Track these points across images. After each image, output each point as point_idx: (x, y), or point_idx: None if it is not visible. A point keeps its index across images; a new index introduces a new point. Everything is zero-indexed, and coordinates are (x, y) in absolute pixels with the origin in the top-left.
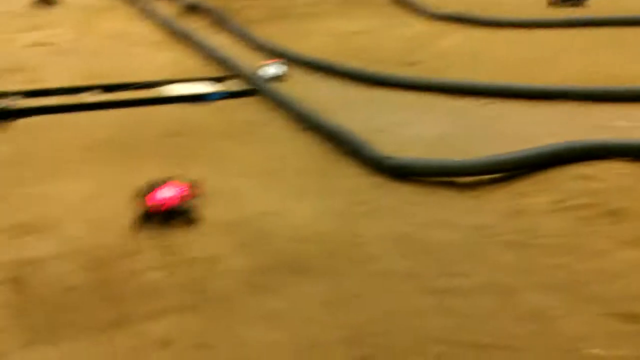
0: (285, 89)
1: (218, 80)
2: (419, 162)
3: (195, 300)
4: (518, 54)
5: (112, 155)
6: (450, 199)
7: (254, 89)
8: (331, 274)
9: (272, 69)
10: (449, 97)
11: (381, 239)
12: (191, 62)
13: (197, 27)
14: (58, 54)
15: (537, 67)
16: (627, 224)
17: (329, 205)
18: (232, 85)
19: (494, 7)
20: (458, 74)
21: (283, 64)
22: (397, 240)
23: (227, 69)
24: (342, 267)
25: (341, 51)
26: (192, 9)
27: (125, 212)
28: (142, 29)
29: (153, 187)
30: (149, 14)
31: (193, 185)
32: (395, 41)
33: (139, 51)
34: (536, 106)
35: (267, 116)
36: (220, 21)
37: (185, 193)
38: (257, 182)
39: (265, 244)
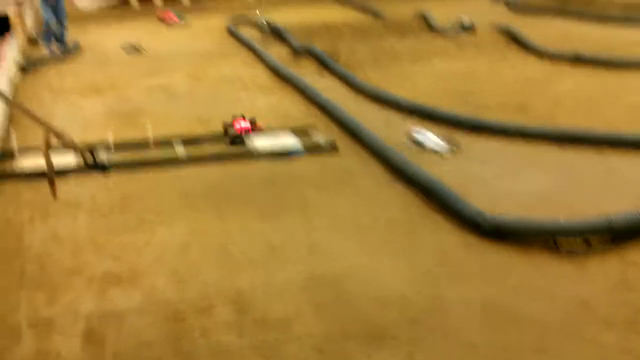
0: (381, 137)
1: (303, 132)
2: (515, 221)
3: None
4: None
5: (208, 203)
6: (548, 265)
7: (335, 144)
8: (409, 344)
9: (431, 138)
10: (558, 146)
11: (467, 307)
12: (293, 108)
13: (304, 71)
14: (172, 99)
15: None
16: None
17: (415, 265)
18: (317, 138)
19: (612, 48)
20: (571, 121)
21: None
22: (485, 309)
23: (326, 113)
24: (423, 337)
25: (446, 94)
26: (302, 53)
27: (211, 264)
28: (254, 73)
29: (231, 123)
30: (261, 59)
31: (253, 121)
32: (506, 84)
33: (246, 96)
34: None
35: (362, 165)
36: (326, 65)
37: (253, 125)
38: (344, 236)
39: (343, 306)
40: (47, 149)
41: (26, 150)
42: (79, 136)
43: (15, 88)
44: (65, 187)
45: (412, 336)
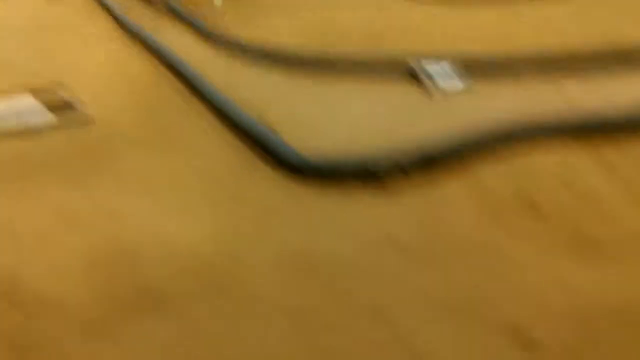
0: (209, 78)
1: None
2: (327, 159)
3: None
4: None
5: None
6: (362, 202)
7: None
8: (191, 311)
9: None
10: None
11: (267, 261)
12: (131, 58)
13: (147, 18)
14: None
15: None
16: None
17: (223, 223)
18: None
19: None
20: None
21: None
22: (289, 261)
23: (162, 60)
24: (210, 301)
25: (301, 36)
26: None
27: None
28: (95, 22)
29: None
30: (102, 4)
31: None
32: (362, 26)
33: (84, 47)
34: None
35: (194, 118)
36: (171, 10)
37: None
38: (153, 197)
39: (125, 273)
40: None
41: None
42: None
43: None
44: None
45: (197, 303)
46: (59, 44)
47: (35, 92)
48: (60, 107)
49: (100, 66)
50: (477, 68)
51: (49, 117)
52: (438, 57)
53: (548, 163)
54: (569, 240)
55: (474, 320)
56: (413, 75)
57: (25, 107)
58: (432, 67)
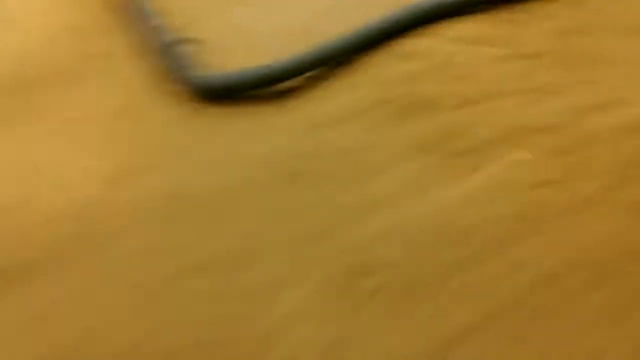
0: None
1: None
2: (229, 77)
3: None
4: None
5: None
6: (256, 120)
7: None
8: (65, 274)
9: None
10: None
11: (145, 210)
12: None
13: None
14: None
15: None
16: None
17: (117, 161)
18: None
19: None
20: None
21: None
22: (169, 201)
23: None
24: (78, 258)
25: None
26: None
27: None
28: None
29: None
30: None
31: None
32: None
33: None
34: None
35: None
36: None
37: None
38: (64, 139)
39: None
40: None
41: None
42: None
43: None
44: None
45: (63, 264)
46: None
47: None
48: None
49: None
50: None
51: None
52: None
53: None
54: None
55: None
56: None
57: None
58: None
